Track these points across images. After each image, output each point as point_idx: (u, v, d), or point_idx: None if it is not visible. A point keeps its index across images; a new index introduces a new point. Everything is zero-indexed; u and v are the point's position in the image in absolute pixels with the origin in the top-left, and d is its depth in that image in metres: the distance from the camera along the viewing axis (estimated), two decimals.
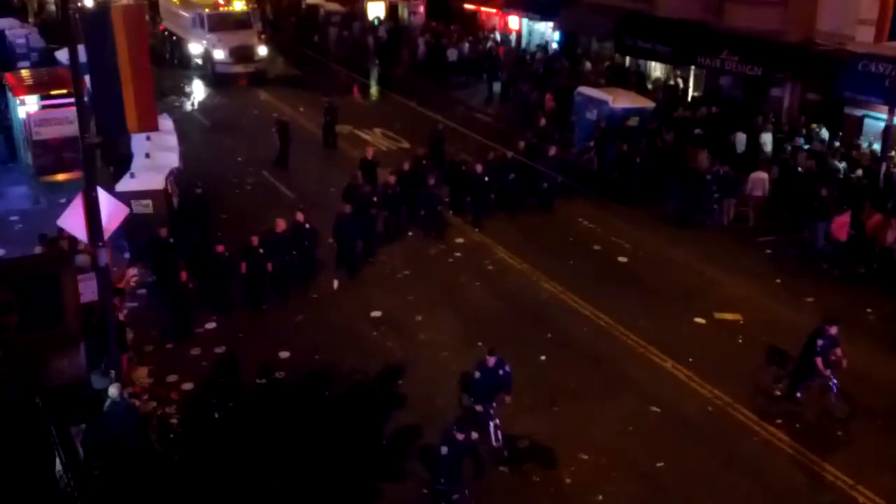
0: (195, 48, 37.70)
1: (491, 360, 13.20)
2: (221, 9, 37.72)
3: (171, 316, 16.42)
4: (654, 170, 23.28)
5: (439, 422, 12.92)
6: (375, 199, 20.29)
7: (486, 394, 13.25)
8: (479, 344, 16.16)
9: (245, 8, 38.60)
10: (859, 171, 21.48)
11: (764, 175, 21.93)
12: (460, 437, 11.50)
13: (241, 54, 36.37)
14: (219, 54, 36.20)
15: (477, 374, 13.27)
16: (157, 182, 19.02)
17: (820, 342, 13.76)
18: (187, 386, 14.82)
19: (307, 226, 18.24)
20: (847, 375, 15.02)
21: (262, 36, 38.39)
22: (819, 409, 14.06)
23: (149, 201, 18.56)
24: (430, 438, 13.40)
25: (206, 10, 37.26)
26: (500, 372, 13.25)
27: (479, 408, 13.20)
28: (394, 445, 13.54)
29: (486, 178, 21.30)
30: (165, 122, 22.44)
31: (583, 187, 23.15)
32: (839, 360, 13.91)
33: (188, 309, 16.43)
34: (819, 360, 13.71)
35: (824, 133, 23.84)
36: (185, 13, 38.97)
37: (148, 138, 20.00)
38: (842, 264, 19.16)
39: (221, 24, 36.85)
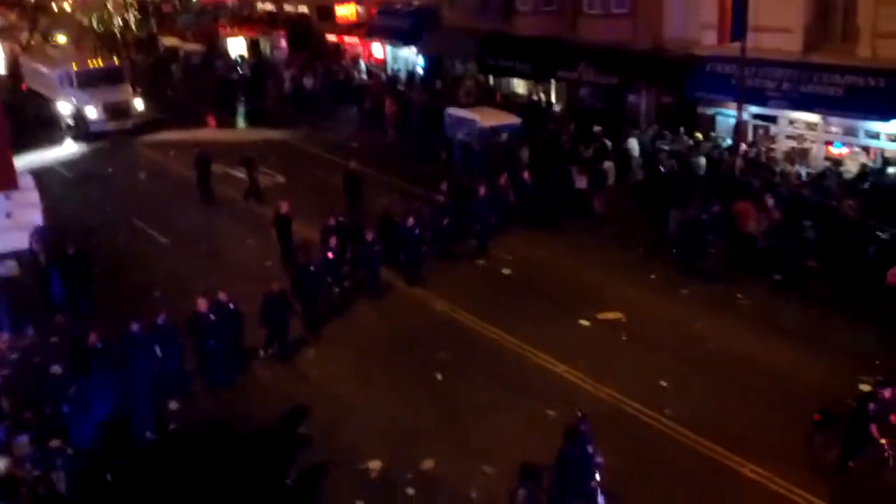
0: (65, 107, 35.31)
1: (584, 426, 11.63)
2: (91, 64, 35.90)
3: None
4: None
5: (343, 457, 12.82)
6: (313, 268, 17.89)
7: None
8: (375, 371, 16.21)
9: (117, 61, 37.02)
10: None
11: (610, 164, 23.88)
12: None
13: (116, 110, 34.53)
14: (92, 112, 34.22)
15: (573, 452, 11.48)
16: (20, 241, 18.20)
17: (872, 406, 12.15)
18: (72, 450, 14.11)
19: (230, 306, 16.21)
20: (728, 358, 15.89)
21: (137, 89, 36.64)
22: (877, 480, 12.27)
23: (14, 263, 17.76)
24: (336, 473, 13.29)
25: (74, 65, 35.42)
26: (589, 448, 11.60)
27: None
28: (300, 485, 13.32)
29: (417, 231, 19.57)
30: (25, 179, 21.47)
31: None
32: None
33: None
34: (874, 428, 12.11)
35: (688, 136, 25.05)
36: (50, 71, 36.64)
37: (8, 197, 19.11)
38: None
39: (92, 80, 34.95)
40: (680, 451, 13.53)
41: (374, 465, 13.51)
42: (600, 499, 11.54)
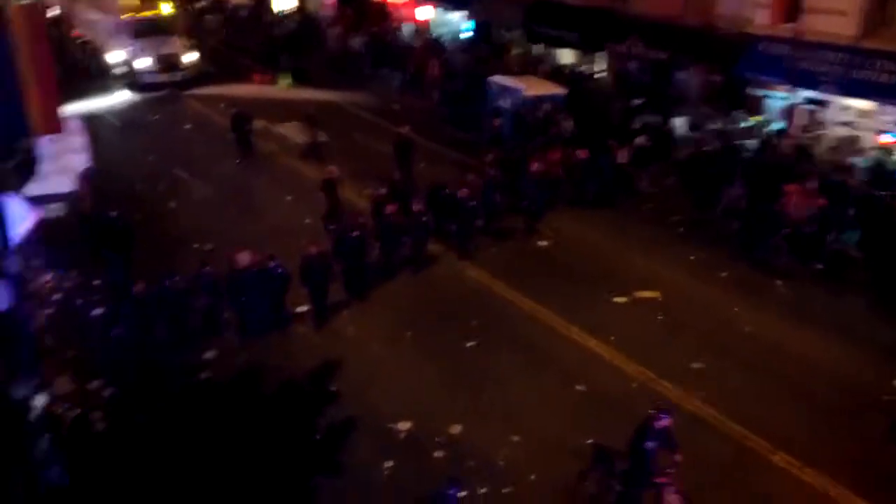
0: (115, 57, 34.93)
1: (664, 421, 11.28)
2: (144, 14, 35.49)
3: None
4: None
5: (372, 416, 12.97)
6: (356, 233, 17.60)
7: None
8: (409, 334, 16.34)
9: (172, 12, 36.49)
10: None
11: (643, 138, 23.52)
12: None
13: (167, 62, 34.05)
14: (142, 63, 33.86)
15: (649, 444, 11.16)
16: (66, 185, 18.41)
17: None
18: (110, 391, 14.47)
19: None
20: (762, 344, 15.77)
21: (190, 41, 36.24)
22: None
23: (59, 205, 17.97)
24: (364, 433, 13.48)
25: (128, 15, 35.10)
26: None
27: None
28: (328, 440, 13.53)
29: (473, 203, 19.20)
30: (73, 123, 21.70)
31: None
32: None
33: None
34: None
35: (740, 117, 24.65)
36: (102, 20, 36.47)
37: (55, 140, 19.31)
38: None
39: (144, 30, 34.60)
40: (708, 433, 13.52)
41: (403, 426, 13.68)
42: (671, 496, 11.35)
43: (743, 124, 24.25)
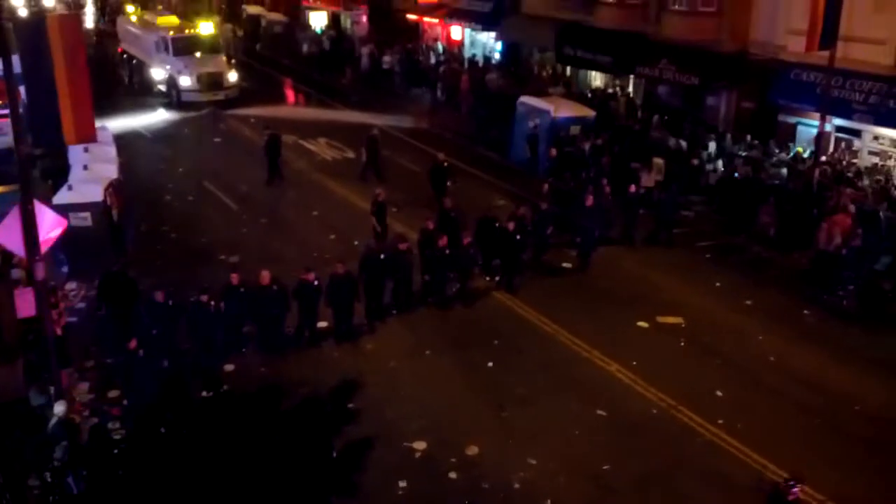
0: (158, 73, 34.88)
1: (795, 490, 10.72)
2: (188, 31, 35.29)
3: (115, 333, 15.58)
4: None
5: (388, 434, 12.86)
6: (383, 256, 17.40)
7: None
8: (427, 353, 16.27)
9: (214, 31, 36.12)
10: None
11: (660, 160, 23.37)
12: None
13: (210, 81, 33.68)
14: (185, 81, 33.50)
15: None
16: (95, 194, 18.65)
17: None
18: (129, 401, 14.53)
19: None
20: (787, 373, 15.52)
21: (233, 60, 36.02)
22: None
23: (87, 214, 18.21)
24: (381, 449, 13.39)
25: (171, 32, 34.83)
26: None
27: None
28: (344, 458, 13.46)
29: (518, 237, 18.52)
30: (104, 133, 22.04)
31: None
32: None
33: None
34: None
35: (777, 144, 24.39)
36: (146, 35, 36.36)
37: (86, 150, 19.61)
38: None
39: (188, 48, 34.34)
40: (728, 463, 13.27)
41: (419, 445, 13.58)
42: None
43: (774, 151, 24.02)
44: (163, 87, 34.71)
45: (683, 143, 24.87)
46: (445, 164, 23.10)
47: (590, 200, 19.75)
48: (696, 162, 23.87)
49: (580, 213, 19.85)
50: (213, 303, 15.30)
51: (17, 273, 15.22)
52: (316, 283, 16.19)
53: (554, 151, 24.16)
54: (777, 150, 24.04)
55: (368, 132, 25.66)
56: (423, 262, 18.02)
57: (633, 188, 21.22)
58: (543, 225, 19.59)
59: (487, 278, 19.02)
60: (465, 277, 18.37)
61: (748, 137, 24.66)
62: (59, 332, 14.50)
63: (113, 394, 14.64)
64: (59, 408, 11.82)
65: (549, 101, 26.84)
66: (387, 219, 20.49)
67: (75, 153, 19.87)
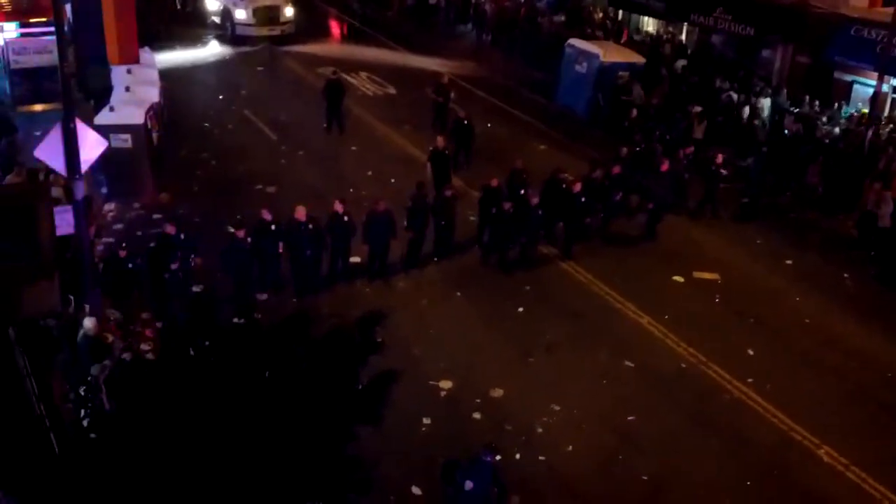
0: (213, 4, 33.17)
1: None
2: None
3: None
4: None
5: (414, 371, 12.89)
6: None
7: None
8: (458, 294, 16.23)
9: None
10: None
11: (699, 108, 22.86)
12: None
13: (266, 16, 31.98)
14: (240, 14, 31.81)
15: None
16: (136, 116, 18.68)
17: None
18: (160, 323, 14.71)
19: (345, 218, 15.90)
20: (821, 337, 15.26)
21: None
22: None
23: (128, 136, 18.23)
24: (406, 385, 13.42)
25: None
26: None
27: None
28: (370, 390, 13.54)
29: (583, 199, 17.42)
30: (147, 56, 21.97)
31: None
32: None
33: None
34: None
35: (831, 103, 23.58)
36: None
37: (129, 71, 19.59)
38: None
39: None
40: (754, 422, 13.19)
41: (445, 384, 13.64)
42: None
43: (834, 109, 23.26)
44: (217, 19, 33.58)
45: (735, 96, 24.21)
46: (468, 121, 21.54)
47: (665, 165, 18.72)
48: (757, 123, 23.14)
49: (653, 180, 18.61)
50: (249, 239, 15.28)
51: (56, 191, 15.35)
52: (346, 217, 16.07)
53: (599, 97, 23.35)
54: (834, 108, 23.27)
55: (438, 79, 24.11)
56: (481, 220, 17.41)
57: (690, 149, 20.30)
58: (613, 190, 18.35)
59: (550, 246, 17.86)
60: (532, 242, 17.26)
61: (807, 98, 23.82)
62: (96, 251, 14.68)
63: (145, 315, 14.83)
64: (89, 323, 11.99)
65: (598, 44, 26.22)
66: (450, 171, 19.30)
67: (118, 74, 19.86)
